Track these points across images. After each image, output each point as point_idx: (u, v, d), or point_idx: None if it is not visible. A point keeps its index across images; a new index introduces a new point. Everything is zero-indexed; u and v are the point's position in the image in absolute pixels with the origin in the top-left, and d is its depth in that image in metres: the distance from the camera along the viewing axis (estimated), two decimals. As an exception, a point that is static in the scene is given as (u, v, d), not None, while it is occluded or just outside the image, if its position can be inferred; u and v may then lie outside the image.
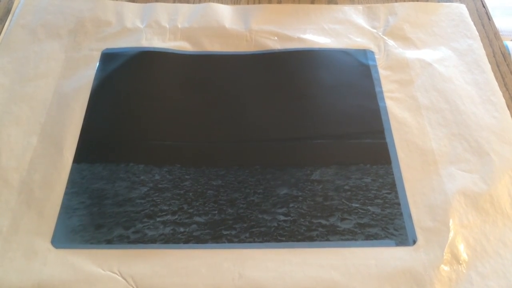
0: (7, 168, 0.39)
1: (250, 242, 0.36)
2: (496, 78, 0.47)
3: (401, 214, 0.38)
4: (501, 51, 0.50)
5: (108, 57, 0.48)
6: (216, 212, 0.38)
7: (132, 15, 0.52)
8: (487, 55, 0.49)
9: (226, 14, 0.52)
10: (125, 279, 0.34)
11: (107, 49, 0.48)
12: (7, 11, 0.52)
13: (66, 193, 0.38)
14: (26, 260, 0.35)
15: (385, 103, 0.45)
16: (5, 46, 0.48)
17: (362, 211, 0.38)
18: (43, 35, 0.49)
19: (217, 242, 0.36)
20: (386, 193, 0.39)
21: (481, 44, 0.49)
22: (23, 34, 0.49)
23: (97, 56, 0.48)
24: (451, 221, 0.37)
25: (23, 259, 0.35)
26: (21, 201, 0.38)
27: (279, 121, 0.44)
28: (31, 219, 0.37)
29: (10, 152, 0.40)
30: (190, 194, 0.39)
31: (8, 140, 0.41)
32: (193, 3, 0.54)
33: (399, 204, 0.38)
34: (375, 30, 0.51)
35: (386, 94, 0.45)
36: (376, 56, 0.49)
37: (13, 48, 0.48)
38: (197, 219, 0.37)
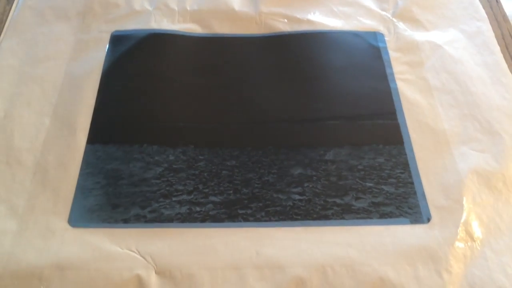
0: (21, 149, 0.39)
1: (266, 221, 0.36)
2: (506, 60, 0.47)
3: (414, 193, 0.38)
4: (509, 33, 0.50)
5: (117, 39, 0.47)
6: (231, 191, 0.38)
7: (140, -3, 0.51)
8: (496, 37, 0.49)
9: (235, -4, 0.52)
10: (143, 257, 0.34)
11: (116, 31, 0.48)
12: (14, -7, 0.51)
13: (81, 174, 0.38)
14: (44, 239, 0.35)
15: (396, 84, 0.45)
16: (13, 28, 0.48)
17: (376, 190, 0.38)
18: (51, 17, 0.49)
19: (233, 221, 0.36)
20: (400, 172, 0.39)
21: (490, 26, 0.49)
22: (31, 15, 0.49)
23: (106, 38, 0.47)
24: (464, 199, 0.37)
25: (40, 238, 0.35)
26: (36, 181, 0.37)
27: (290, 102, 0.44)
28: (47, 199, 0.37)
29: (22, 133, 0.40)
30: (205, 174, 0.39)
31: (20, 121, 0.41)
32: (201, -15, 0.54)
33: (412, 183, 0.39)
34: (384, 12, 0.51)
35: (397, 76, 0.45)
36: (386, 38, 0.49)
37: (21, 29, 0.47)
38: (212, 198, 0.37)
